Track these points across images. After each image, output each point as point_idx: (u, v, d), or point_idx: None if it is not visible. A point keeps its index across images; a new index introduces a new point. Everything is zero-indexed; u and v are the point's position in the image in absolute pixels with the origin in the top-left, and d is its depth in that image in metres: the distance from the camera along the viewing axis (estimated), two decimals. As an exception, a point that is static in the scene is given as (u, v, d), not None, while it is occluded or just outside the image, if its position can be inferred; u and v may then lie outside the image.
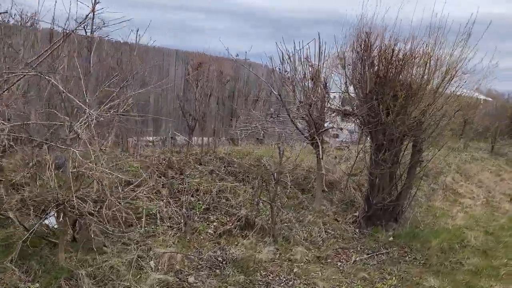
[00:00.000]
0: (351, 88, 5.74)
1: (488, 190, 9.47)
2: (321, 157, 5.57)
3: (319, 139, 5.82)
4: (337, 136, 11.93)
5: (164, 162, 5.96)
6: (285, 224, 5.55)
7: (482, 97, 17.17)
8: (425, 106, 5.41)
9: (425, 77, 5.34)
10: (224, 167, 6.63)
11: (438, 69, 5.45)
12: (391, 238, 5.76)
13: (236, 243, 4.93)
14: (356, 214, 6.30)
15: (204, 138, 7.89)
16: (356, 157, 6.11)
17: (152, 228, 4.73)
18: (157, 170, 5.69)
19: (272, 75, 6.02)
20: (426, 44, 5.41)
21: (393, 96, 5.49)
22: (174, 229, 4.87)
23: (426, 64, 5.29)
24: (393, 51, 5.38)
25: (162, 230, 4.77)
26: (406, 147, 6.17)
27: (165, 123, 7.82)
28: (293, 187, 6.67)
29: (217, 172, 6.26)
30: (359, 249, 5.44)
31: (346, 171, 7.24)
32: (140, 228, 4.60)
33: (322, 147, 6.08)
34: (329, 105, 6.12)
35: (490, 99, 18.38)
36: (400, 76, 5.46)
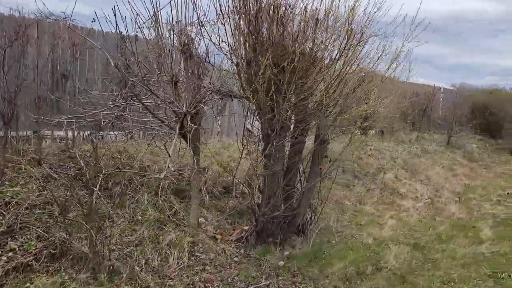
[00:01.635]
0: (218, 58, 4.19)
1: (435, 189, 8.16)
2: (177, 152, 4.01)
3: (187, 129, 4.27)
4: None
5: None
6: (129, 248, 3.97)
7: (441, 85, 16.06)
8: (319, 81, 3.91)
9: (317, 40, 3.83)
10: (78, 170, 4.99)
11: (336, 32, 3.96)
12: (281, 262, 4.25)
13: (28, 284, 3.32)
14: (246, 228, 4.78)
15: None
16: (241, 153, 4.58)
17: None
18: None
19: (122, 43, 4.42)
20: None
21: (277, 67, 3.97)
22: None
23: (317, 21, 3.78)
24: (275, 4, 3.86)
25: None
26: (305, 137, 4.68)
27: (24, 114, 6.10)
28: (170, 194, 5.11)
29: (57, 177, 4.61)
30: (230, 281, 3.91)
31: (249, 171, 5.73)
32: None
33: (198, 140, 4.55)
34: (206, 83, 4.55)
35: (452, 87, 17.29)
36: (286, 40, 3.94)
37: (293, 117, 4.65)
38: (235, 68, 4.09)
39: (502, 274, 4.04)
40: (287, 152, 4.65)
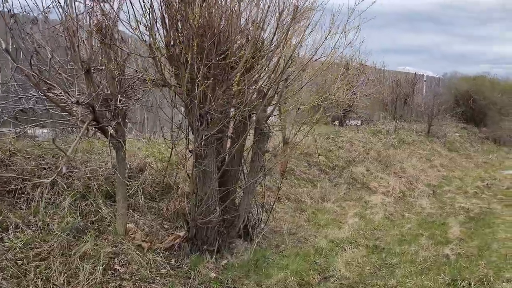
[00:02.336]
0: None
1: (409, 181, 7.67)
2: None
3: (108, 123, 3.70)
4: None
5: None
6: (31, 263, 3.41)
7: (425, 72, 15.56)
8: (246, 66, 3.35)
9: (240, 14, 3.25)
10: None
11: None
12: (213, 274, 3.72)
13: None
14: (182, 234, 4.24)
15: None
16: (172, 150, 4.01)
17: None
18: None
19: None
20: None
21: (200, 49, 3.40)
22: None
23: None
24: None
25: None
26: (246, 132, 4.11)
27: None
28: (99, 197, 4.54)
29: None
30: (147, 299, 3.38)
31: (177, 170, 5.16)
32: None
33: (122, 136, 3.98)
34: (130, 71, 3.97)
35: (435, 75, 16.79)
36: (211, 17, 3.37)
37: (233, 109, 4.10)
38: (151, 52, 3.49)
39: (462, 281, 3.55)
40: (225, 148, 4.10)
